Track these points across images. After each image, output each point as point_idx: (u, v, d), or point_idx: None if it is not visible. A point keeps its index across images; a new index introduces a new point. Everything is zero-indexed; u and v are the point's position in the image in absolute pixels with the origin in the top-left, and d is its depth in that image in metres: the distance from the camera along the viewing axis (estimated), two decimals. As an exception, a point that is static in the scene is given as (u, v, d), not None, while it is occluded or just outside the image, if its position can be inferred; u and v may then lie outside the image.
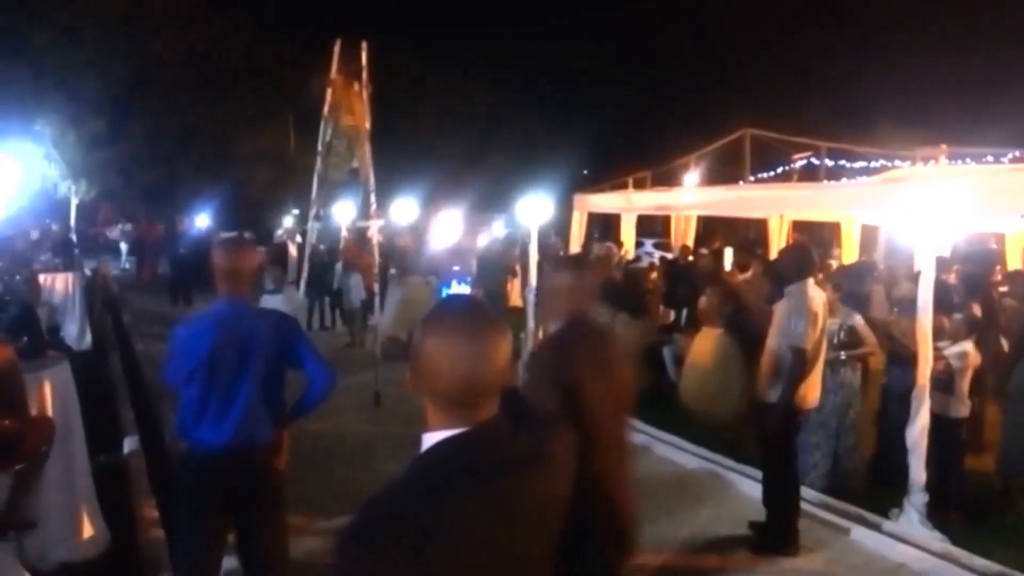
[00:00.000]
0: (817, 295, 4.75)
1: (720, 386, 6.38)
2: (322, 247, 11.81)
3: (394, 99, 25.38)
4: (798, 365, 4.47)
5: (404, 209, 11.80)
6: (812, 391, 4.73)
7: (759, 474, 5.23)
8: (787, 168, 13.23)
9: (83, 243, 19.78)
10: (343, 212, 12.68)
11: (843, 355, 5.68)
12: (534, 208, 9.00)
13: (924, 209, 5.15)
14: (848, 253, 12.14)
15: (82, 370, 5.16)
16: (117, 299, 14.44)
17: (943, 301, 5.61)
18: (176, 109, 22.74)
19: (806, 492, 5.46)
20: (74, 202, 21.35)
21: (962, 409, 5.28)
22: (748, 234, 14.74)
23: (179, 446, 3.04)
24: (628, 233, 13.71)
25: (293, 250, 10.52)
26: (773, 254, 9.79)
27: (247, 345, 2.83)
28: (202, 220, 18.24)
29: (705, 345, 6.61)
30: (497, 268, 11.05)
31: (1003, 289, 7.44)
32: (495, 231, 14.36)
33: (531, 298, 8.38)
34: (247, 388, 2.83)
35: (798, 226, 13.20)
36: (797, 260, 4.81)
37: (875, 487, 5.54)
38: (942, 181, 5.46)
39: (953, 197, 5.16)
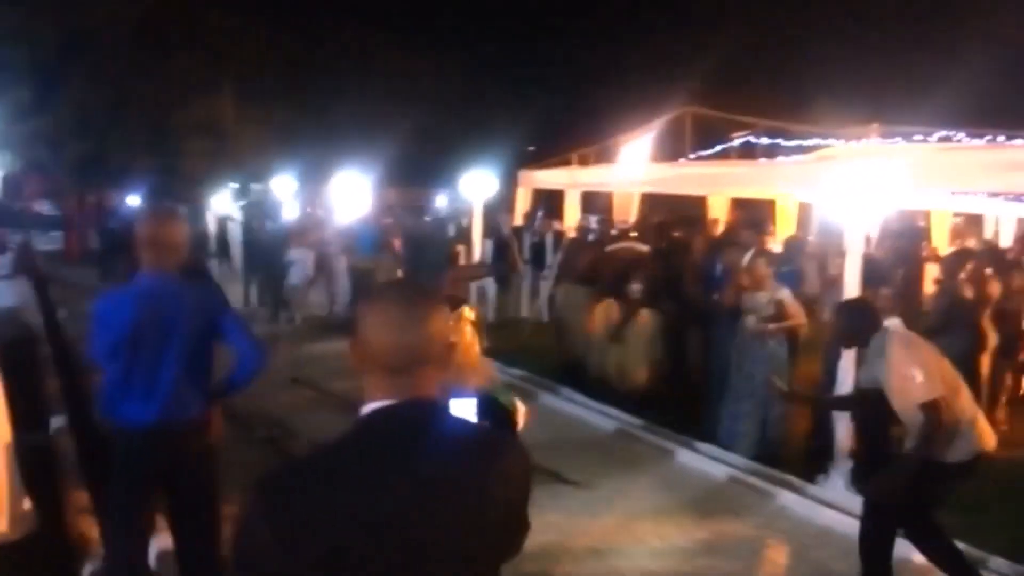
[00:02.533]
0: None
1: (637, 359, 6.88)
2: (267, 223, 11.50)
3: (342, 74, 24.91)
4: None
5: (344, 184, 11.52)
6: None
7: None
8: (726, 146, 13.44)
9: (8, 217, 18.95)
10: (284, 187, 12.47)
11: (771, 327, 5.87)
12: (477, 182, 9.01)
13: (851, 187, 5.33)
14: (784, 230, 12.47)
15: (8, 347, 4.97)
16: (43, 274, 13.90)
17: (872, 275, 5.85)
18: (108, 78, 21.83)
19: (735, 459, 5.67)
20: (-1, 175, 20.43)
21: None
22: (689, 212, 14.96)
23: (106, 424, 2.95)
24: (572, 210, 13.78)
25: (212, 225, 10.22)
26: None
27: (171, 320, 2.76)
28: (134, 195, 17.67)
29: (639, 324, 6.92)
30: (431, 250, 10.92)
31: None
32: (439, 205, 14.23)
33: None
34: (172, 364, 2.77)
35: (737, 204, 13.49)
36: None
37: (809, 455, 5.75)
38: (868, 159, 5.64)
39: (879, 175, 5.34)
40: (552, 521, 4.67)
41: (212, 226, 13.24)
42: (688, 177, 11.99)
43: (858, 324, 3.75)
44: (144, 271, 2.82)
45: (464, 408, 1.81)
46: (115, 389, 2.79)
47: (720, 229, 10.45)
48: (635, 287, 6.99)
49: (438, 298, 1.44)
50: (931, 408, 3.41)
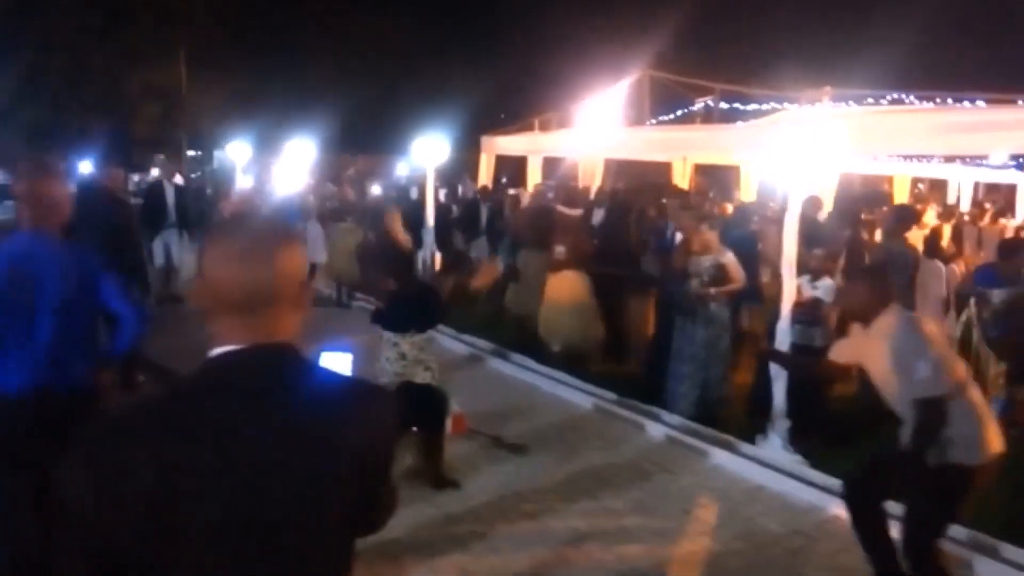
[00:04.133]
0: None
1: (578, 323, 7.00)
2: (208, 191, 11.18)
3: (299, 37, 24.35)
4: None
5: (296, 151, 11.21)
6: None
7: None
8: (688, 110, 13.41)
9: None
10: (238, 152, 12.15)
11: (713, 291, 5.90)
12: (430, 148, 8.88)
13: (791, 150, 5.32)
14: (747, 196, 12.52)
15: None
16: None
17: (813, 238, 5.88)
18: (60, 44, 21.16)
19: (673, 419, 5.72)
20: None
21: (825, 340, 5.57)
22: (654, 179, 14.95)
23: None
24: (535, 176, 13.69)
25: (171, 194, 9.83)
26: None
27: (41, 280, 2.65)
28: (86, 162, 17.20)
29: (562, 284, 7.09)
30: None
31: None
32: (399, 173, 13.98)
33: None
34: (46, 327, 2.67)
35: (701, 170, 13.49)
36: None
37: (749, 415, 5.81)
38: (809, 123, 5.64)
39: (818, 138, 5.34)
40: (488, 485, 4.70)
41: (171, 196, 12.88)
42: (647, 142, 11.98)
43: (870, 296, 3.41)
44: (22, 228, 2.70)
45: (337, 361, 1.72)
46: None
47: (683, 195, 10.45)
48: (559, 249, 7.07)
49: (293, 235, 1.32)
50: (933, 406, 3.17)
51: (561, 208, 7.70)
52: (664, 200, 8.96)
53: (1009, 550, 3.86)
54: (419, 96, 23.10)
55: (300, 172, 10.03)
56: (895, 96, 8.71)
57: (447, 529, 4.13)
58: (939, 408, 3.18)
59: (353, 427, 1.30)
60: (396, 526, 4.09)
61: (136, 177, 19.26)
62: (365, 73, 23.01)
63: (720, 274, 5.93)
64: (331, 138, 19.77)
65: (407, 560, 3.79)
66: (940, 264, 9.33)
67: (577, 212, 7.84)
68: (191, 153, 23.80)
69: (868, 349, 3.44)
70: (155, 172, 14.21)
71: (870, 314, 3.40)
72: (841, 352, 3.69)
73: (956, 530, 3.90)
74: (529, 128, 13.98)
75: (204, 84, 22.00)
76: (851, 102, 8.27)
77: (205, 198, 10.62)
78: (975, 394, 3.37)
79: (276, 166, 10.64)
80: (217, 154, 22.61)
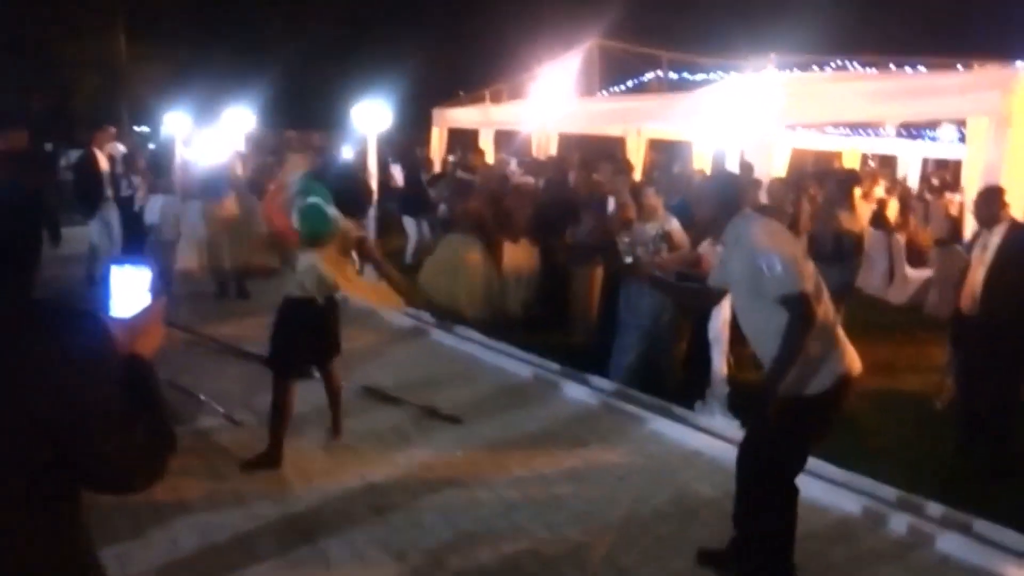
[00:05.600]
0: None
1: (467, 286, 7.25)
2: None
3: (247, 7, 23.57)
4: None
5: (232, 122, 10.76)
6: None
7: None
8: (639, 81, 13.27)
9: None
10: (177, 124, 11.68)
11: (659, 259, 5.78)
12: (371, 115, 8.62)
13: (731, 118, 5.23)
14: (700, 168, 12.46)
15: None
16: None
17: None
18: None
19: (611, 386, 5.64)
20: None
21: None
22: (611, 151, 14.83)
23: None
24: (487, 150, 13.46)
25: (104, 163, 9.28)
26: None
27: None
28: (20, 135, 16.46)
29: (451, 247, 7.44)
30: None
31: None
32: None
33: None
34: None
35: (655, 145, 13.39)
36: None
37: (689, 383, 5.73)
38: (751, 91, 5.53)
39: (761, 106, 5.25)
40: (419, 456, 4.56)
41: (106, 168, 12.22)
42: (599, 113, 11.82)
43: (716, 202, 3.19)
44: None
45: (132, 277, 1.49)
46: None
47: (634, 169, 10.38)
48: (441, 207, 7.47)
49: None
50: (797, 301, 2.89)
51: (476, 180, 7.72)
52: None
53: (980, 524, 3.71)
54: (370, 67, 22.61)
55: (232, 143, 9.60)
56: (839, 63, 8.68)
57: (370, 500, 3.99)
58: (807, 303, 2.89)
59: (21, 372, 1.17)
60: (314, 498, 3.97)
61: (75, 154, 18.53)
62: (314, 45, 22.40)
63: (666, 242, 5.83)
64: (277, 112, 19.26)
65: (321, 534, 3.63)
66: (884, 234, 9.47)
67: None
68: (138, 129, 22.98)
69: (728, 265, 3.20)
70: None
71: (720, 223, 3.17)
72: (714, 276, 3.43)
73: (927, 505, 3.88)
74: (480, 100, 13.73)
75: (146, 56, 21.19)
76: (795, 69, 8.24)
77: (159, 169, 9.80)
78: (826, 310, 3.07)
79: (210, 136, 10.18)
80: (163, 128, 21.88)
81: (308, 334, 4.33)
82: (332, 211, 4.23)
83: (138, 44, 21.05)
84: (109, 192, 8.95)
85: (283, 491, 4.07)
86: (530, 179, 8.46)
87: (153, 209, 8.77)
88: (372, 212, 8.81)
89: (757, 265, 2.96)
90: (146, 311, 1.52)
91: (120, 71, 20.63)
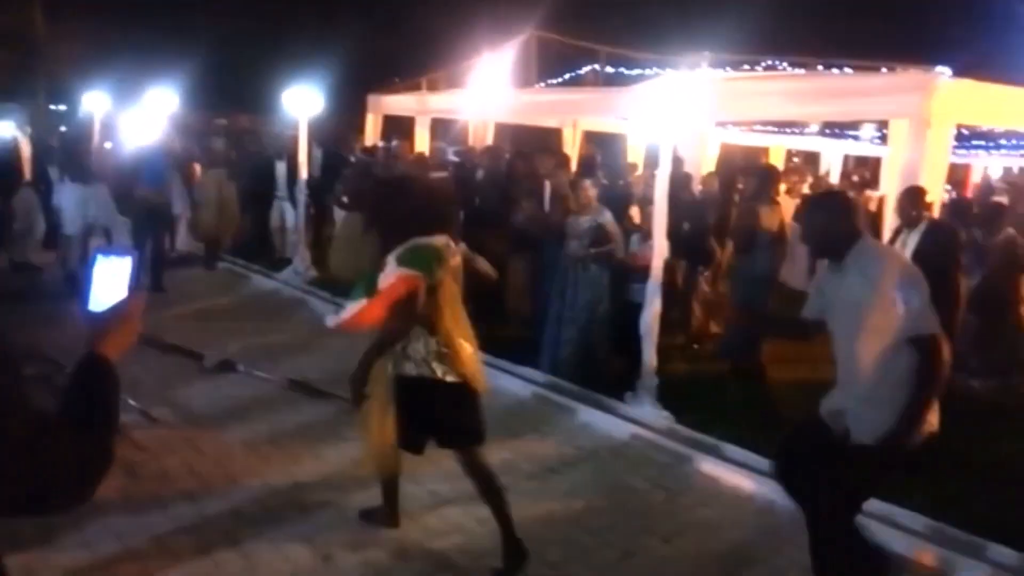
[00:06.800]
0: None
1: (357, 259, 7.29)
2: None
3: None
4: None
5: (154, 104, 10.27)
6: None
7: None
8: (575, 74, 13.31)
9: None
10: (96, 103, 11.14)
11: (592, 251, 5.81)
12: (302, 99, 8.39)
13: (662, 114, 5.28)
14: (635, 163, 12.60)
15: None
16: None
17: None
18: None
19: (542, 378, 5.65)
20: None
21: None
22: (547, 143, 14.85)
23: None
24: (422, 138, 13.30)
25: (26, 148, 8.81)
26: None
27: None
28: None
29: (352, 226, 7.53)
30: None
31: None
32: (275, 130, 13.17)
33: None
34: None
35: (590, 137, 13.48)
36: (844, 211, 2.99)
37: (622, 375, 5.77)
38: (682, 88, 5.60)
39: (690, 103, 5.32)
40: (350, 452, 4.45)
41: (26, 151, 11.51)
42: (535, 104, 11.84)
43: (835, 228, 2.88)
44: None
45: (115, 267, 1.40)
46: None
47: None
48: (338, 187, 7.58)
49: None
50: (931, 342, 2.68)
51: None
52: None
53: (994, 550, 3.55)
54: (304, 50, 22.06)
55: (159, 123, 9.21)
56: (770, 63, 8.91)
57: (296, 497, 3.89)
58: (941, 347, 2.67)
59: None
60: (237, 497, 3.84)
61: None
62: (243, 27, 21.66)
63: (599, 235, 5.84)
64: (204, 93, 18.57)
65: (246, 533, 3.52)
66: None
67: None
68: (54, 108, 21.82)
69: (838, 292, 2.90)
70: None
71: (840, 250, 2.86)
72: (811, 306, 3.12)
73: (940, 529, 3.72)
74: (417, 88, 13.55)
75: (64, 30, 20.08)
76: (728, 68, 8.40)
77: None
78: None
79: (133, 117, 9.73)
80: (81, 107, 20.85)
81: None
82: None
83: (57, 19, 19.96)
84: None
85: (204, 490, 3.92)
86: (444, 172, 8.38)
87: (63, 197, 8.31)
88: (303, 196, 8.63)
89: (890, 297, 2.70)
90: (121, 306, 1.41)
91: (37, 46, 19.54)
